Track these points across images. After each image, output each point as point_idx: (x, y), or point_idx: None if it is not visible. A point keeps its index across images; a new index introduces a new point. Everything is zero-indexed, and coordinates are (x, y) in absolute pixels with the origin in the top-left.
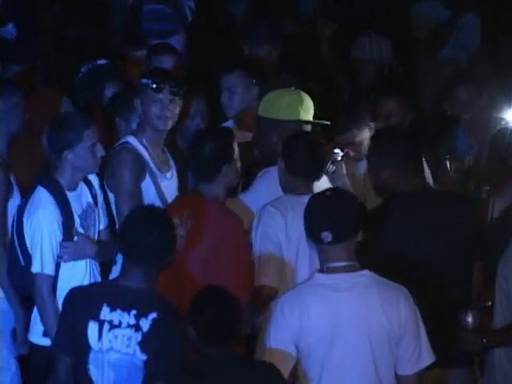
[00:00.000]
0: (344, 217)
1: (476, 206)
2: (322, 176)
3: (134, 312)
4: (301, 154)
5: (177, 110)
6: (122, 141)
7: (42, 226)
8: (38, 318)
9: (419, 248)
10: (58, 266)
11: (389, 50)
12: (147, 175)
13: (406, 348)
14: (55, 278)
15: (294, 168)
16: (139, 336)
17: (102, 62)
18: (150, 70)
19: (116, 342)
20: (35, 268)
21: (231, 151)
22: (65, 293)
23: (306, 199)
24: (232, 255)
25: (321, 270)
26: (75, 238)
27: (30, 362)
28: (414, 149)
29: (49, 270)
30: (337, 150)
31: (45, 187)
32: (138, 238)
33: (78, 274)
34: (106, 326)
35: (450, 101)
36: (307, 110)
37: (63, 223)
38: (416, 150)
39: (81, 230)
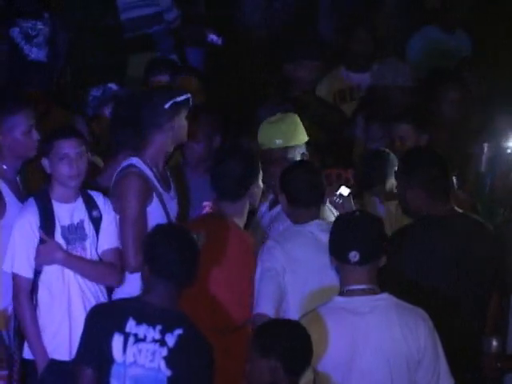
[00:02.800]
0: (372, 238)
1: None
2: (323, 202)
3: (159, 327)
4: (298, 185)
5: None
6: (127, 163)
7: (16, 228)
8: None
9: (437, 273)
10: (38, 272)
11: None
12: (154, 197)
13: (425, 372)
14: (35, 282)
15: (294, 199)
16: (164, 351)
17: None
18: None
19: (140, 356)
20: (6, 266)
21: (258, 171)
22: (45, 299)
23: (308, 227)
24: (243, 275)
25: (341, 293)
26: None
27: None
28: (442, 172)
29: (22, 271)
30: (343, 189)
31: (33, 196)
32: (168, 255)
33: (53, 281)
34: (131, 339)
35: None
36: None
37: (41, 228)
38: (444, 173)
39: (62, 241)
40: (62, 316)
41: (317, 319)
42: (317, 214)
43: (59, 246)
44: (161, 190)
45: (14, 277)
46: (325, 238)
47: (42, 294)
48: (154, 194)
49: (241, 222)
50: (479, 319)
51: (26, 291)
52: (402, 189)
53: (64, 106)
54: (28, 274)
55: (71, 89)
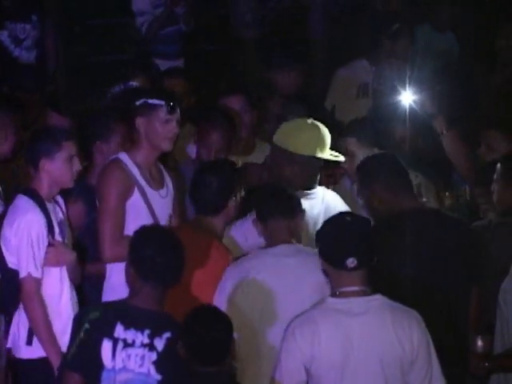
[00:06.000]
0: (367, 243)
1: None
2: (295, 213)
3: (147, 331)
4: (265, 201)
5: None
6: (114, 157)
7: (32, 229)
8: (21, 332)
9: (410, 267)
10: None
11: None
12: (135, 191)
13: (418, 373)
14: None
15: (262, 215)
16: (154, 355)
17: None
18: (158, 90)
19: (129, 361)
20: (26, 270)
21: (237, 184)
22: (49, 299)
23: (276, 249)
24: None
25: (333, 295)
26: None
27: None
28: (400, 170)
29: (38, 273)
30: None
31: (26, 195)
32: (155, 257)
33: (52, 281)
34: (120, 345)
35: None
36: (324, 147)
37: (47, 229)
38: (402, 171)
39: (59, 239)
40: (67, 314)
41: (310, 321)
42: (289, 230)
43: (68, 247)
44: (145, 186)
45: (27, 279)
46: (292, 261)
47: (46, 294)
48: (136, 189)
49: (219, 237)
50: (463, 315)
51: (39, 292)
52: (367, 197)
53: (57, 109)
54: (40, 274)
55: (65, 91)
